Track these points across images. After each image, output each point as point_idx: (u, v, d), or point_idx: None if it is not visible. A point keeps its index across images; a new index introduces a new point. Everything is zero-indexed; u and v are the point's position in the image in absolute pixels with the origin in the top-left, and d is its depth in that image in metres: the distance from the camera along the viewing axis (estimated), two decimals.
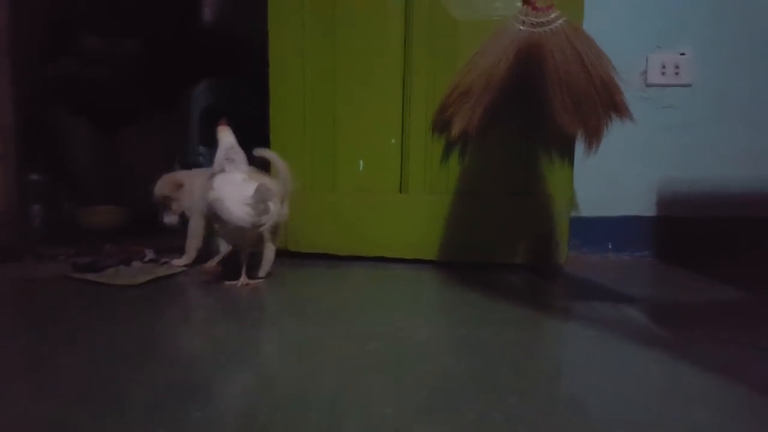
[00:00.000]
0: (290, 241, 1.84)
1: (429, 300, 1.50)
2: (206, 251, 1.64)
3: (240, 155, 1.46)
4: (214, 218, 1.43)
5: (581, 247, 1.97)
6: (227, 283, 1.45)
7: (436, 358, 0.98)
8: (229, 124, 1.56)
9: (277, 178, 1.54)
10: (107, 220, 2.62)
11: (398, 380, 0.87)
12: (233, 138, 1.49)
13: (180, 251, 1.69)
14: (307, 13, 1.79)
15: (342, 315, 1.26)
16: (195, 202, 1.64)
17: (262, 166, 1.60)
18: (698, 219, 1.96)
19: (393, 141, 1.81)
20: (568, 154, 1.70)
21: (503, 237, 1.78)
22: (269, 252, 1.54)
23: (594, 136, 1.55)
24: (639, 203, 1.97)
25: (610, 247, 1.99)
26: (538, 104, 1.59)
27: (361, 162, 1.83)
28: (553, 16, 1.55)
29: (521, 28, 1.56)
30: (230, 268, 1.49)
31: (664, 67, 1.92)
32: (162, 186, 1.71)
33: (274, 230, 1.53)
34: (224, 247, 1.50)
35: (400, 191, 1.82)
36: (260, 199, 1.30)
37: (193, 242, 1.67)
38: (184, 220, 1.70)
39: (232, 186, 1.34)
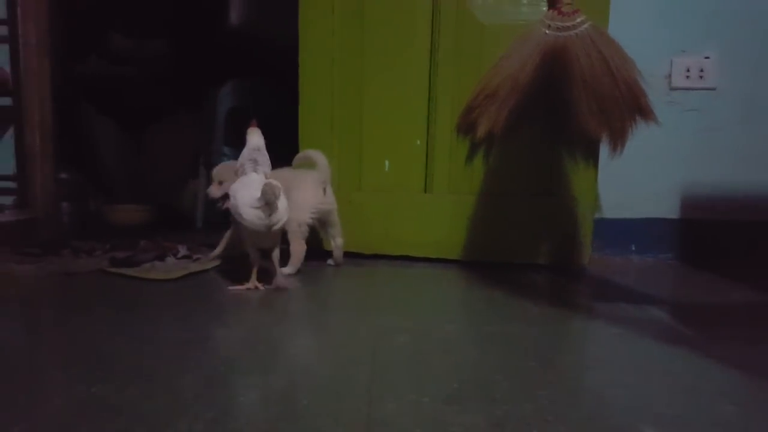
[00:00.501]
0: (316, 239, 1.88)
1: (454, 298, 1.53)
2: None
3: (264, 157, 1.42)
4: (236, 222, 1.43)
5: (604, 248, 1.99)
6: (231, 288, 1.42)
7: (464, 352, 1.02)
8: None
9: (317, 170, 1.62)
10: (133, 217, 2.69)
11: (429, 372, 0.91)
12: (261, 140, 1.46)
13: (210, 247, 1.74)
14: (337, 18, 1.84)
15: (370, 311, 1.30)
16: None
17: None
18: (722, 222, 1.96)
19: (418, 142, 1.84)
20: (592, 156, 1.73)
21: (527, 237, 1.81)
22: (298, 248, 1.58)
23: (619, 139, 1.57)
24: (662, 206, 1.98)
25: (633, 248, 2.00)
26: (564, 107, 1.61)
27: (387, 162, 1.87)
28: (578, 20, 1.57)
29: (547, 32, 1.59)
30: (241, 271, 1.49)
31: (688, 70, 1.93)
32: (220, 171, 1.68)
33: (301, 226, 1.59)
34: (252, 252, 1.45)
35: (425, 191, 1.86)
36: (267, 200, 1.27)
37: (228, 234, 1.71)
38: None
39: (246, 189, 1.33)
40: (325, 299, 1.44)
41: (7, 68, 2.07)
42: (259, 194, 1.28)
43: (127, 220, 2.66)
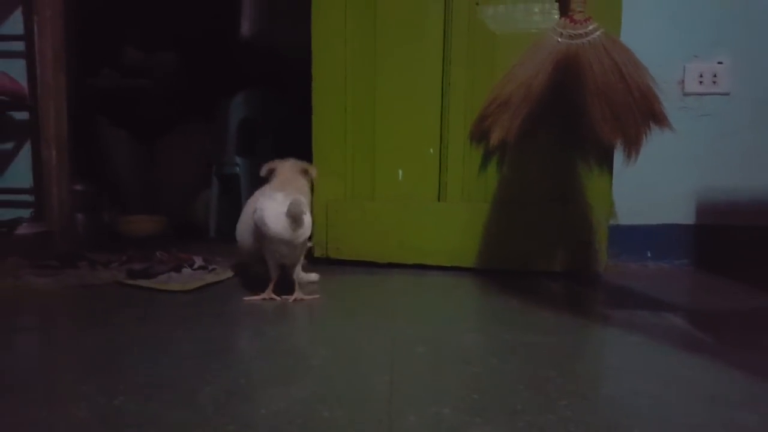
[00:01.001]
0: (331, 248, 1.89)
1: (470, 306, 1.53)
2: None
3: (291, 188, 1.43)
4: (259, 236, 1.42)
5: (620, 255, 1.98)
6: (247, 299, 1.44)
7: (483, 361, 1.01)
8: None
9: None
10: (146, 228, 2.70)
11: (449, 383, 0.91)
12: (291, 174, 1.50)
13: (224, 258, 1.75)
14: (349, 30, 1.86)
15: (387, 320, 1.30)
16: None
17: None
18: (737, 227, 1.95)
19: (431, 151, 1.85)
20: (606, 163, 1.72)
21: (542, 245, 1.80)
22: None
23: (633, 145, 1.57)
24: (678, 212, 1.97)
25: (649, 255, 1.99)
26: (577, 114, 1.62)
27: (401, 171, 1.87)
28: (590, 28, 1.58)
29: (559, 40, 1.60)
30: (256, 281, 1.51)
31: (701, 76, 1.93)
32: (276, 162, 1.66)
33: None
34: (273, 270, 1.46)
35: (439, 199, 1.86)
36: (294, 213, 1.30)
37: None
38: None
39: (272, 201, 1.36)
40: (341, 309, 1.45)
41: (24, 83, 2.10)
42: (285, 208, 1.31)
43: (140, 230, 2.68)
